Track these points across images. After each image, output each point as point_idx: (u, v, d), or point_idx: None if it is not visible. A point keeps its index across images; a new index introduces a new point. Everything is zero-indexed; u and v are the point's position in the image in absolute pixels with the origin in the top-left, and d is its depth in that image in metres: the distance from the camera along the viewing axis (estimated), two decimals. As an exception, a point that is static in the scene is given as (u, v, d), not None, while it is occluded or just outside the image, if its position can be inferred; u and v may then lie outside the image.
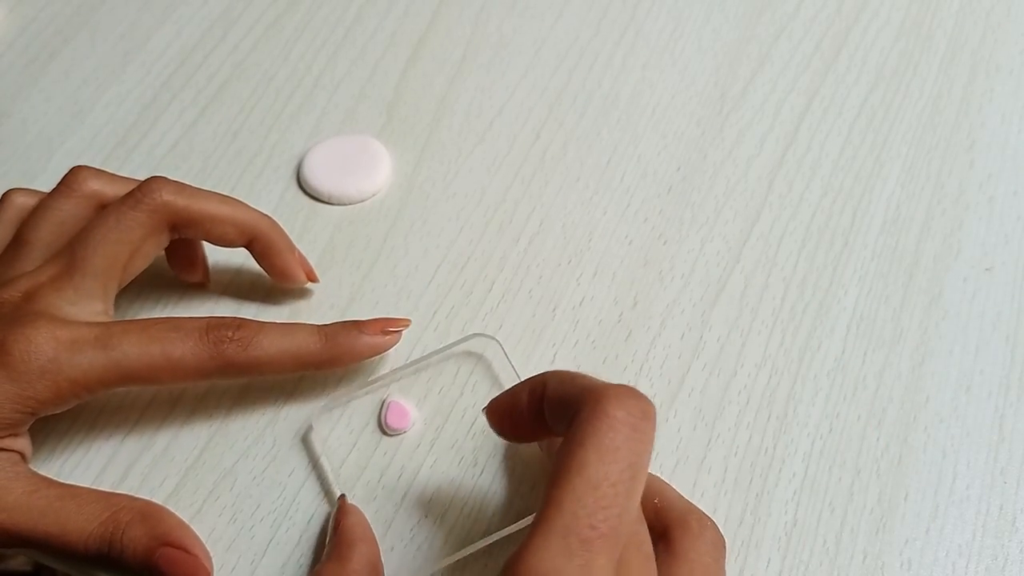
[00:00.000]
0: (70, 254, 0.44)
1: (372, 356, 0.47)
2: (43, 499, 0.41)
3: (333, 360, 0.45)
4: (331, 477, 0.46)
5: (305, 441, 0.48)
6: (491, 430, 0.41)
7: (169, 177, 0.46)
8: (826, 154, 0.57)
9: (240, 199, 0.48)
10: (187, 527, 0.43)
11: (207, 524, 0.46)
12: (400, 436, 0.48)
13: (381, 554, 0.43)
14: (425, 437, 0.48)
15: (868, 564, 0.43)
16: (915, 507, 0.45)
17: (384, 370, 0.49)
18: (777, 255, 0.53)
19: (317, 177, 0.56)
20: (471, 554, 0.44)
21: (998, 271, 0.52)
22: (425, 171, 0.57)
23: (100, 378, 0.42)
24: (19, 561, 0.98)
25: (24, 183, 0.58)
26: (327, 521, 0.46)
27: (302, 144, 0.59)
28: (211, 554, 0.45)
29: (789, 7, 0.64)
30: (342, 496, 0.45)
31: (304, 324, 0.45)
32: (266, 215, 0.48)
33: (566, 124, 0.59)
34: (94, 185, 0.47)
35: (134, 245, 0.45)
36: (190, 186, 0.46)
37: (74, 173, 0.47)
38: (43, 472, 0.47)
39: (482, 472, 0.47)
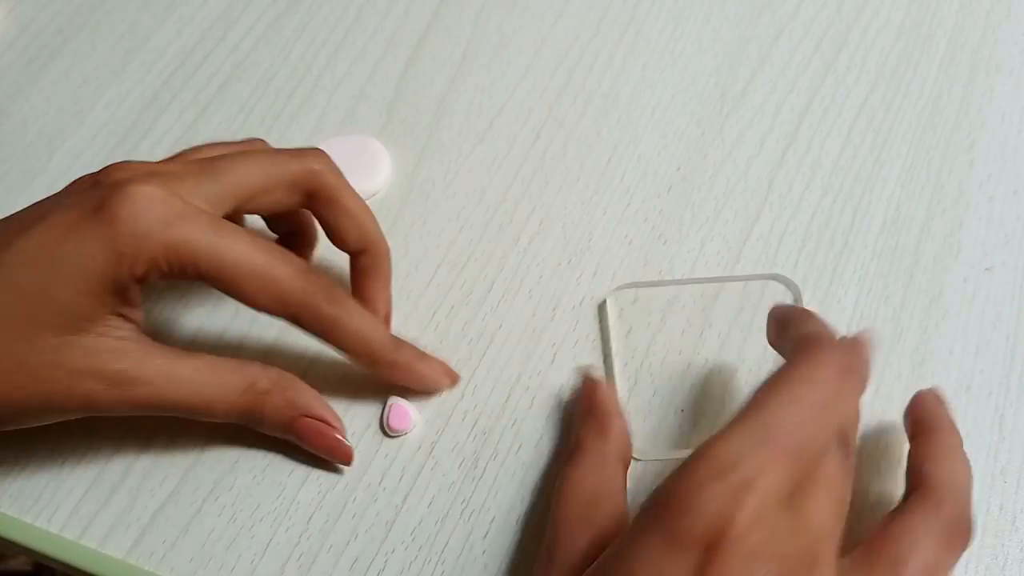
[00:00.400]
0: (210, 160, 0.44)
1: (413, 385, 0.48)
2: (182, 370, 0.43)
3: (385, 364, 0.46)
4: (614, 348, 0.50)
5: (600, 310, 0.51)
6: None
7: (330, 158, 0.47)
8: (826, 154, 0.57)
9: None
10: (322, 399, 0.46)
11: (207, 524, 0.46)
12: (401, 438, 0.48)
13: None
14: (426, 439, 0.48)
15: (868, 564, 0.43)
16: (915, 507, 0.45)
17: (678, 275, 0.52)
18: (777, 255, 0.53)
19: (317, 177, 0.56)
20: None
21: (998, 271, 0.52)
22: (425, 171, 0.57)
23: (200, 259, 0.41)
24: (19, 561, 0.98)
25: (24, 183, 0.58)
26: (328, 521, 0.46)
27: (302, 144, 0.59)
28: (214, 552, 0.45)
29: (789, 7, 0.64)
30: (589, 374, 0.48)
31: (383, 327, 0.47)
32: (385, 241, 0.49)
33: (566, 124, 0.59)
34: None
35: (272, 180, 0.44)
36: (345, 179, 0.47)
37: (252, 140, 0.51)
38: (41, 473, 0.48)
39: (483, 474, 0.47)
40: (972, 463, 0.46)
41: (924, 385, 0.48)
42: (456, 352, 0.50)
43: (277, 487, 0.47)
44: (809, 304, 0.51)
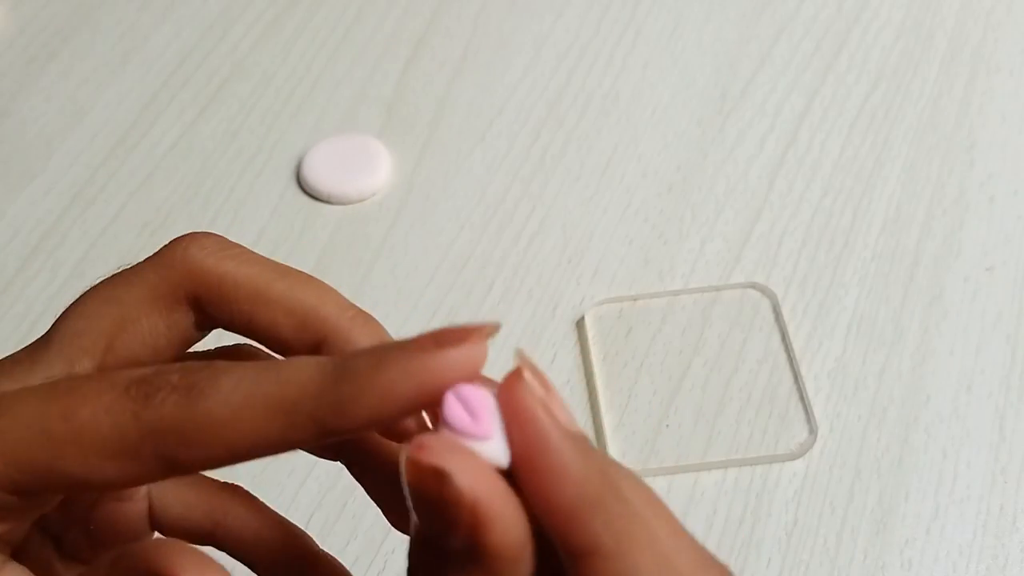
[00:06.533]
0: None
1: (417, 402, 0.23)
2: None
3: (344, 409, 0.23)
4: (594, 360, 0.49)
5: (579, 325, 0.50)
6: None
7: (217, 234, 0.29)
8: (826, 154, 0.57)
9: (315, 277, 0.29)
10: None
11: (207, 524, 0.46)
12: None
13: None
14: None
15: (868, 564, 0.43)
16: (915, 507, 0.45)
17: (659, 287, 0.52)
18: (777, 255, 0.53)
19: (317, 177, 0.56)
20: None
21: (999, 271, 0.52)
22: (425, 171, 0.57)
23: None
24: (19, 561, 0.98)
25: (24, 183, 0.58)
26: (328, 521, 0.46)
27: (302, 144, 0.59)
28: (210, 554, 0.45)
29: (789, 7, 0.64)
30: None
31: (304, 356, 0.24)
32: (355, 307, 0.29)
33: (566, 124, 0.59)
34: None
35: (125, 311, 0.28)
36: (241, 247, 0.29)
37: None
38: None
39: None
40: (972, 463, 0.46)
41: (924, 385, 0.48)
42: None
43: (277, 487, 0.46)
44: (805, 306, 0.51)
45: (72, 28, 0.66)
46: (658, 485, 0.46)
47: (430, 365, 0.22)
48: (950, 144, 0.57)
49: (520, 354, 0.24)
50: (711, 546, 0.45)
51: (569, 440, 0.22)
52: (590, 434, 0.47)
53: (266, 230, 0.55)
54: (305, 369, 0.23)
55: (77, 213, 0.56)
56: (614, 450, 0.47)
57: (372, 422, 0.23)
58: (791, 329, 0.50)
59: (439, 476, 0.21)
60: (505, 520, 0.21)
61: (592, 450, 0.23)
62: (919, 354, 0.49)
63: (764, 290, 0.51)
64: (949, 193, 0.55)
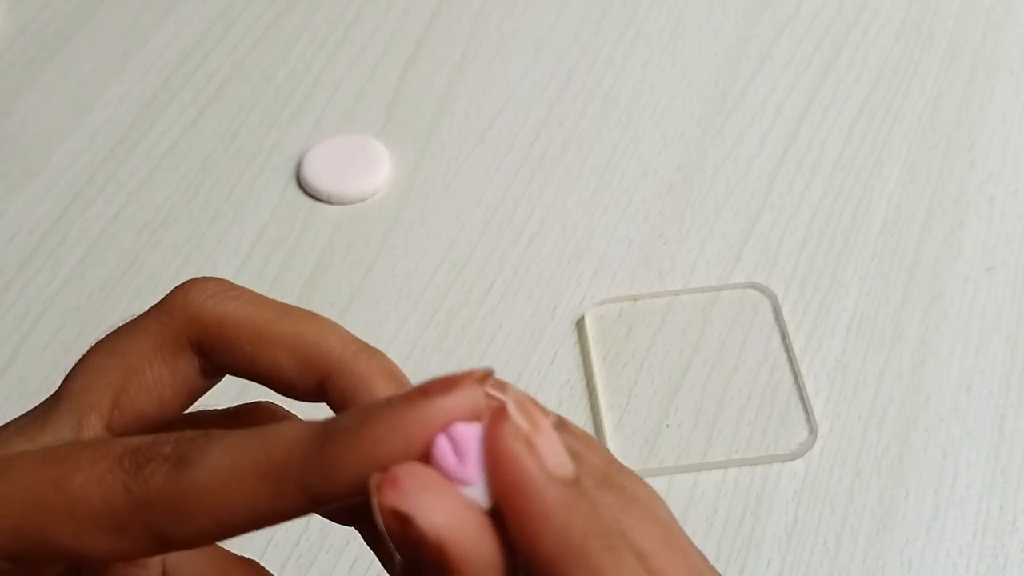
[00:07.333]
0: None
1: (408, 457, 0.21)
2: None
3: (331, 471, 0.21)
4: (594, 360, 0.49)
5: (579, 325, 0.51)
6: None
7: (220, 277, 0.28)
8: (826, 154, 0.57)
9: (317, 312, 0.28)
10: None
11: (207, 524, 0.46)
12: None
13: None
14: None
15: (868, 564, 0.43)
16: (915, 507, 0.45)
17: (659, 287, 0.52)
18: (777, 255, 0.53)
19: (317, 177, 0.56)
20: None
21: (999, 271, 0.52)
22: (425, 171, 0.57)
23: None
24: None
25: (24, 182, 0.58)
26: (327, 522, 0.45)
27: (302, 144, 0.59)
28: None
29: (789, 7, 0.64)
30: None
31: (293, 421, 0.26)
32: (359, 341, 0.27)
33: (566, 124, 0.59)
34: None
35: (128, 362, 0.28)
36: (243, 289, 0.28)
37: None
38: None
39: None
40: (972, 463, 0.46)
41: (924, 385, 0.48)
42: (456, 352, 0.50)
43: (277, 487, 0.46)
44: (805, 306, 0.51)
45: (72, 28, 0.66)
46: (658, 485, 0.46)
47: (418, 417, 0.21)
48: (950, 144, 0.57)
49: (509, 389, 0.23)
50: (711, 546, 0.46)
51: (553, 485, 0.21)
52: (590, 434, 0.47)
53: (266, 230, 0.55)
54: (291, 433, 0.23)
55: (77, 213, 0.56)
56: (614, 450, 0.47)
57: (363, 484, 0.21)
58: (791, 329, 0.50)
59: (401, 518, 0.20)
60: (478, 561, 0.21)
61: (582, 496, 0.21)
62: (919, 354, 0.49)
63: (764, 290, 0.51)
64: (949, 193, 0.55)
